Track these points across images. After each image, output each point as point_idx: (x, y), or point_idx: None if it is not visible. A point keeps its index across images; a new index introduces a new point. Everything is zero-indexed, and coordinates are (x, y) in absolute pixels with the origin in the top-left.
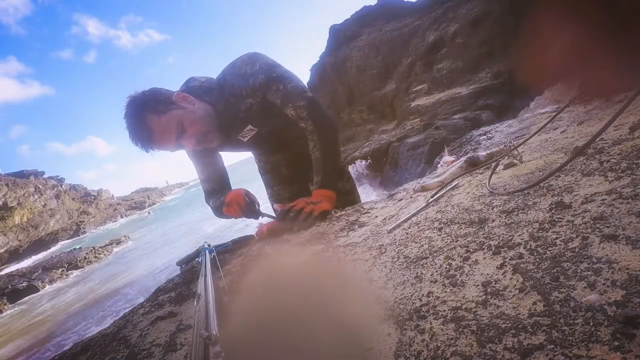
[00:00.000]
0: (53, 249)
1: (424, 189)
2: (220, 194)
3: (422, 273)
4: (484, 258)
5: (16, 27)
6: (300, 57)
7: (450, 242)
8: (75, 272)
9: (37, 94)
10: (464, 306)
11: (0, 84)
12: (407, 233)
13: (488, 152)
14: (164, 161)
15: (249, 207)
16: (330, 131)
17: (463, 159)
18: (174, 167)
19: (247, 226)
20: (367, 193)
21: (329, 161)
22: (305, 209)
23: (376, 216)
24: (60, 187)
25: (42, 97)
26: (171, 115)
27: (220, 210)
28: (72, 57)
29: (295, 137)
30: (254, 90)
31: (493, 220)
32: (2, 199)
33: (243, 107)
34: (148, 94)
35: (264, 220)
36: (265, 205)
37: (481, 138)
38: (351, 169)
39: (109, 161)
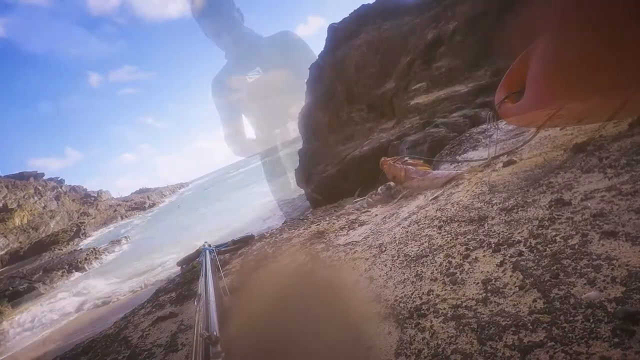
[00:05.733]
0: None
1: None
2: None
3: (422, 271)
4: (484, 256)
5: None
6: None
7: (450, 240)
8: None
9: None
10: (464, 304)
11: None
12: (407, 231)
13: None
14: (172, 157)
15: None
16: None
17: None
18: (185, 166)
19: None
20: None
21: None
22: None
23: (376, 214)
24: (60, 189)
25: None
26: None
27: None
28: None
29: None
30: None
31: (493, 218)
32: (2, 201)
33: None
34: None
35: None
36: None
37: (480, 136)
38: None
39: (127, 150)
